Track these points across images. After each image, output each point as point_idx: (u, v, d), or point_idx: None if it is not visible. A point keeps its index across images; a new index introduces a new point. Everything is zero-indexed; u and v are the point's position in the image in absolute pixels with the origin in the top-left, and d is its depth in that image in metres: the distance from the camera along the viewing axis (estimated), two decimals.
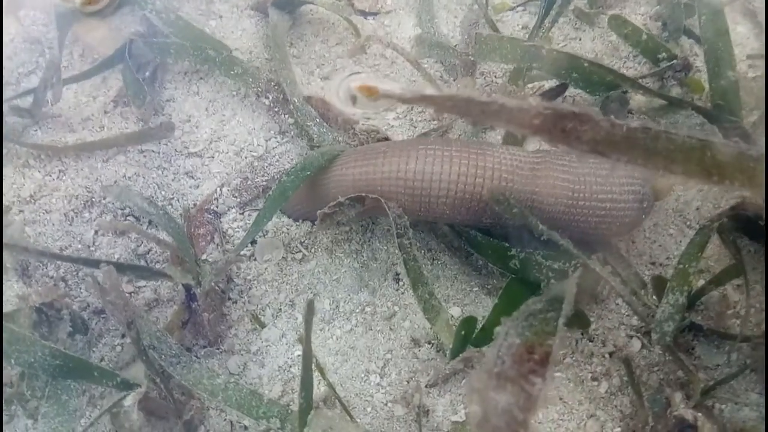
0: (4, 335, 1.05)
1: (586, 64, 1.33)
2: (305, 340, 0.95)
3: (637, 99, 1.42)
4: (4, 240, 1.23)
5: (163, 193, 1.42)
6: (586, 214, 1.15)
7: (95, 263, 1.18)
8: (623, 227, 1.19)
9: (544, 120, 0.68)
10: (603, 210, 1.15)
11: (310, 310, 0.94)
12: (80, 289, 1.31)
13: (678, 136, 0.70)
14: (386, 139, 1.41)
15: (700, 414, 1.00)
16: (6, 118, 1.46)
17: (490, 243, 1.24)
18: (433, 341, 1.24)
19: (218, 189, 1.42)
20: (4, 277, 1.30)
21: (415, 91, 0.70)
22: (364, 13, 1.67)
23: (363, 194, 1.19)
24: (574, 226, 1.17)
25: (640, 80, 1.38)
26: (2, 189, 1.38)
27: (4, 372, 1.20)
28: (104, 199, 1.39)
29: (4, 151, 1.44)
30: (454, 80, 1.54)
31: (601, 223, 1.17)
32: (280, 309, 1.30)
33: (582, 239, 1.20)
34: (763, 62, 1.45)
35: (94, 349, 1.25)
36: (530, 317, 0.89)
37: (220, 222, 1.39)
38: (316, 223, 1.24)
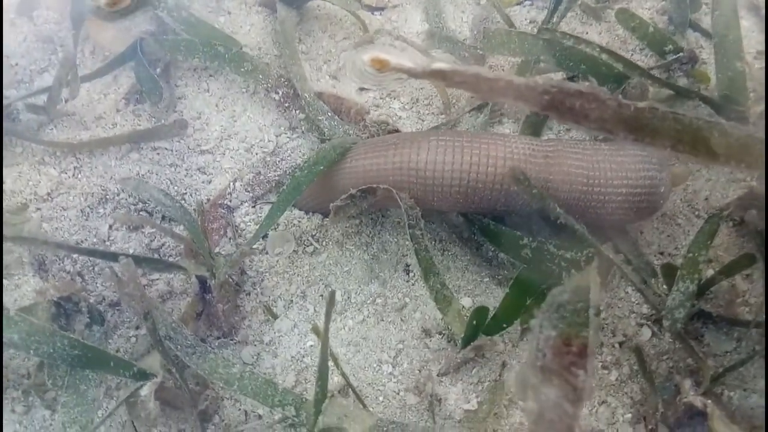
0: (23, 327, 1.07)
1: (597, 50, 1.34)
2: (324, 331, 0.97)
3: (644, 98, 1.43)
4: (22, 235, 1.25)
5: (176, 188, 1.44)
6: (601, 201, 1.16)
7: (112, 256, 1.20)
8: (640, 213, 1.20)
9: (552, 97, 0.70)
10: (619, 196, 1.15)
11: (331, 302, 0.96)
12: (96, 283, 1.33)
13: (685, 117, 0.71)
14: (396, 131, 1.43)
15: (709, 401, 1.01)
16: (21, 116, 1.48)
17: (503, 232, 1.25)
18: (443, 331, 1.26)
19: (231, 184, 1.43)
20: (21, 272, 1.32)
21: (425, 65, 0.72)
22: (372, 8, 1.69)
23: (375, 186, 1.20)
24: (590, 213, 1.17)
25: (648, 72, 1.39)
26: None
27: (23, 363, 1.22)
28: (118, 195, 1.41)
29: (20, 149, 1.46)
30: None
31: (618, 210, 1.17)
32: (292, 300, 1.32)
33: (598, 226, 1.20)
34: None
35: (109, 340, 1.27)
36: (560, 308, 0.89)
37: (233, 216, 1.41)
38: (329, 216, 1.26)
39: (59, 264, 1.33)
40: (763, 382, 1.09)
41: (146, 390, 1.11)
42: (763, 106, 1.32)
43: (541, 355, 0.78)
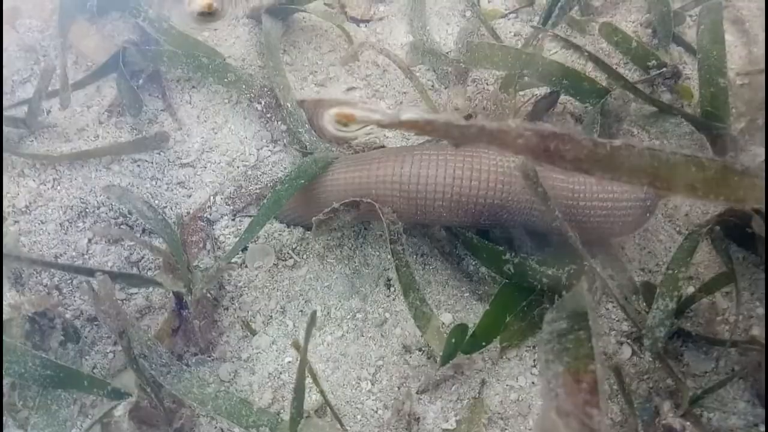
0: None
1: (585, 55, 1.33)
2: (302, 352, 0.96)
3: (627, 110, 1.42)
4: None
5: (156, 202, 1.42)
6: (587, 215, 1.15)
7: (89, 272, 1.19)
8: (626, 227, 1.19)
9: (526, 141, 0.69)
10: (604, 210, 1.14)
11: (312, 322, 0.94)
12: (74, 297, 1.32)
13: (662, 152, 0.70)
14: (382, 147, 1.42)
15: (688, 423, 1.01)
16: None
17: (486, 246, 1.25)
18: (424, 348, 1.25)
19: (211, 197, 1.42)
20: None
21: (393, 116, 0.71)
22: (357, 21, 1.68)
23: (358, 199, 1.19)
24: (575, 226, 1.16)
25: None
26: (2, 199, 1.39)
27: None
28: (98, 209, 1.40)
29: None
30: (446, 88, 1.55)
31: (603, 223, 1.16)
32: (271, 316, 1.31)
33: (585, 240, 1.19)
34: (746, 67, 1.46)
35: (86, 357, 1.26)
36: (561, 338, 0.88)
37: (213, 229, 1.40)
38: (312, 229, 1.25)
39: (36, 277, 1.32)
40: (741, 404, 1.08)
41: (121, 409, 1.10)
42: (744, 123, 1.32)
43: (553, 395, 0.78)
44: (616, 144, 0.69)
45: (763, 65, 1.45)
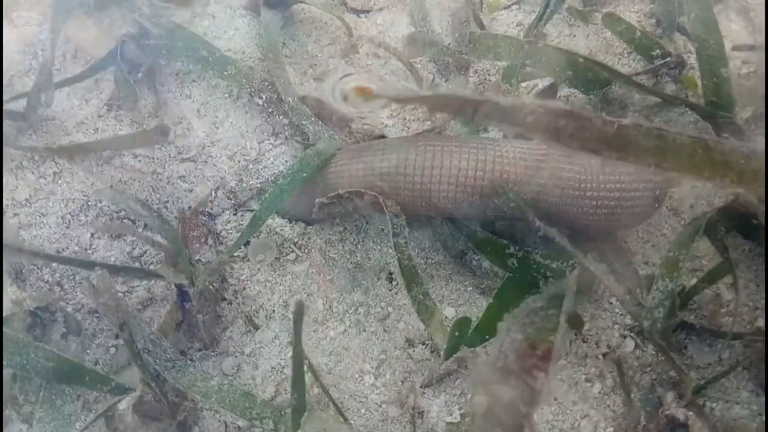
0: None
1: (581, 60, 1.32)
2: (295, 341, 0.96)
3: (631, 97, 1.41)
4: None
5: (157, 196, 1.42)
6: (594, 206, 1.13)
7: (89, 265, 1.18)
8: (634, 218, 1.17)
9: (537, 118, 0.69)
10: (612, 201, 1.13)
11: (299, 311, 0.94)
12: (76, 291, 1.31)
13: (669, 132, 0.70)
14: (382, 137, 1.41)
15: (691, 413, 1.01)
16: None
17: (490, 239, 1.24)
18: (427, 342, 1.25)
19: (213, 191, 1.42)
20: None
21: (409, 91, 0.71)
22: (357, 12, 1.67)
23: (362, 190, 1.19)
24: (582, 218, 1.15)
25: (634, 77, 1.37)
26: (2, 186, 1.38)
27: None
28: (100, 202, 1.40)
29: None
30: (446, 81, 1.53)
31: (611, 215, 1.15)
32: (273, 310, 1.30)
33: (592, 231, 1.18)
34: (752, 55, 1.44)
35: (88, 351, 1.26)
36: (531, 314, 0.89)
37: (214, 224, 1.39)
38: (312, 223, 1.24)
39: (37, 272, 1.32)
40: (745, 394, 1.08)
41: (124, 404, 1.10)
42: (749, 112, 1.30)
43: (503, 357, 0.77)
44: (625, 122, 0.69)
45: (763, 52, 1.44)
